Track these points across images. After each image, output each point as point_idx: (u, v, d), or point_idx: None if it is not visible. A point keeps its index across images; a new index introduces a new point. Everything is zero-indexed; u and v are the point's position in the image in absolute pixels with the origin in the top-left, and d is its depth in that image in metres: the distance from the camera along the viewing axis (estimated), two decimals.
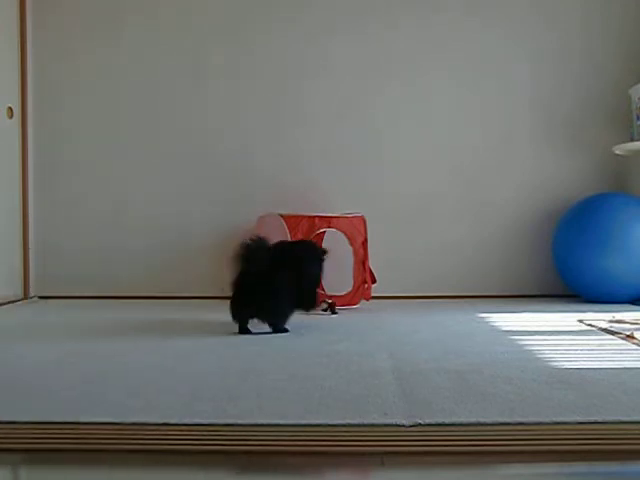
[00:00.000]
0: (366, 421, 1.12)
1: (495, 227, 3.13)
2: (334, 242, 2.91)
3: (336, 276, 2.84)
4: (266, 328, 2.11)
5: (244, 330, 2.11)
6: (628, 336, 1.93)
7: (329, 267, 2.99)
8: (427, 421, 1.12)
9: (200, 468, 1.00)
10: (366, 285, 2.76)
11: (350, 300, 2.75)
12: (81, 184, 3.20)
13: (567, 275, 2.92)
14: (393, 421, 1.12)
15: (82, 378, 1.46)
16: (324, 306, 2.59)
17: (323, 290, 2.56)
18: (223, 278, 3.13)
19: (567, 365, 1.56)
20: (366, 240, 2.80)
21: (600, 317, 2.32)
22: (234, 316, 2.11)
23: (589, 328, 2.12)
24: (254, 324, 2.12)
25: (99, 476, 1.00)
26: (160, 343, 1.94)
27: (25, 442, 1.06)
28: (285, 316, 2.16)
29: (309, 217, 2.72)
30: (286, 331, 2.12)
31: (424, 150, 3.15)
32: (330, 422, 1.12)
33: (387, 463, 0.99)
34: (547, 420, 1.12)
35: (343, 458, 1.02)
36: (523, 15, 3.14)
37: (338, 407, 1.21)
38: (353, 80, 3.15)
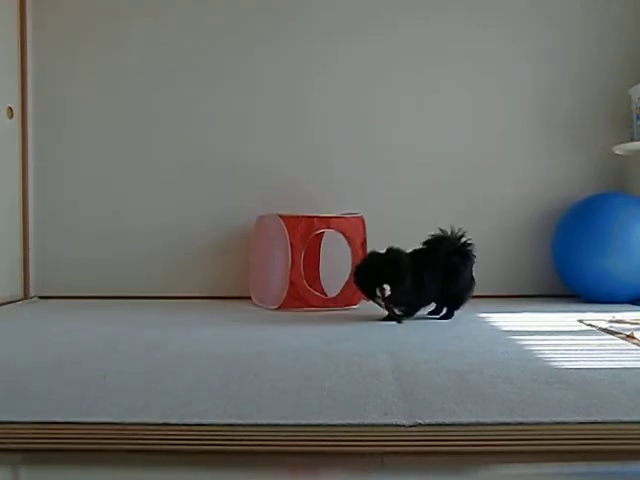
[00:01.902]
0: (366, 421, 1.12)
1: (495, 227, 3.13)
2: (333, 243, 2.92)
3: (335, 276, 2.85)
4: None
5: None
6: (628, 336, 1.93)
7: (328, 267, 3.02)
8: (427, 421, 1.12)
9: (200, 468, 1.00)
10: None
11: (350, 300, 2.75)
12: (81, 184, 3.20)
13: (567, 275, 2.92)
14: (393, 421, 1.12)
15: (82, 378, 1.46)
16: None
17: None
18: (223, 278, 3.16)
19: (567, 365, 1.56)
20: (365, 241, 2.80)
21: (600, 317, 2.32)
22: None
23: (589, 328, 2.13)
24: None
25: (99, 476, 1.00)
26: (160, 343, 1.94)
27: (25, 442, 1.06)
28: None
29: (308, 217, 2.72)
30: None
31: (424, 150, 3.15)
32: (330, 422, 1.12)
33: (387, 463, 0.99)
34: (547, 420, 1.12)
35: (343, 458, 1.02)
36: (523, 15, 3.14)
37: (338, 407, 1.21)
38: (353, 80, 3.15)
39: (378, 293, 2.28)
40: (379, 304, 2.35)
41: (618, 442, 1.03)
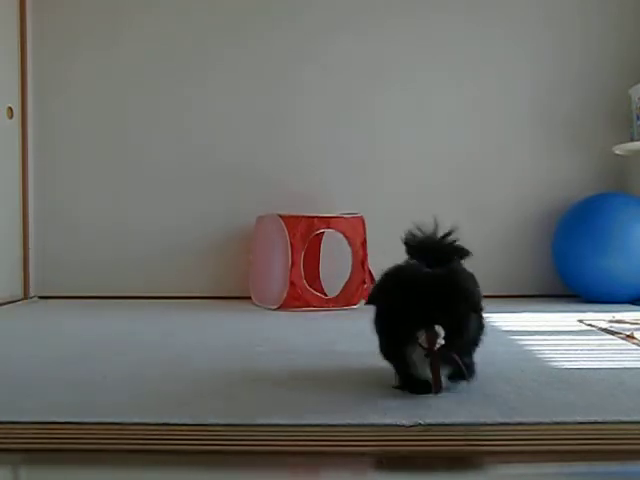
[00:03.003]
0: (366, 421, 1.12)
1: (495, 227, 3.13)
2: (333, 243, 2.92)
3: (335, 276, 2.85)
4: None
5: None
6: (628, 336, 1.93)
7: (328, 267, 3.01)
8: (427, 421, 1.12)
9: (200, 468, 1.00)
10: (365, 285, 2.76)
11: (350, 300, 2.75)
12: (81, 184, 3.19)
13: (567, 275, 2.91)
14: (393, 421, 1.12)
15: (82, 378, 1.46)
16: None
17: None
18: (223, 278, 3.16)
19: (567, 365, 1.56)
20: (365, 241, 2.80)
21: (600, 317, 2.32)
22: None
23: (589, 328, 2.12)
24: None
25: (99, 476, 1.00)
26: (160, 343, 1.94)
27: (25, 442, 1.06)
28: None
29: (308, 217, 2.72)
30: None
31: (423, 150, 3.15)
32: (330, 422, 1.12)
33: (387, 463, 0.99)
34: (547, 420, 1.12)
35: (343, 458, 1.02)
36: (523, 15, 3.14)
37: (338, 407, 1.21)
38: (353, 80, 3.15)
39: (421, 341, 1.24)
40: (407, 364, 1.30)
41: (618, 442, 1.03)
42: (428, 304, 1.24)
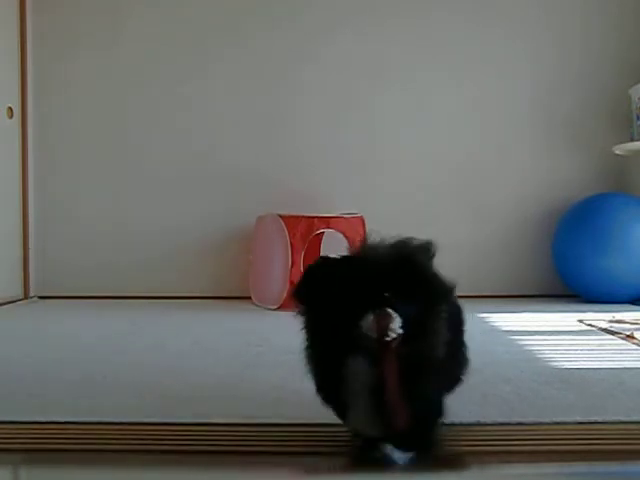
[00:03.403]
0: None
1: (495, 227, 3.13)
2: (333, 243, 2.92)
3: None
4: None
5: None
6: (628, 336, 1.93)
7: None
8: None
9: (200, 468, 1.00)
10: None
11: None
12: (81, 184, 3.19)
13: (567, 275, 2.91)
14: None
15: (82, 378, 1.46)
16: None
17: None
18: (223, 278, 3.16)
19: (567, 365, 1.56)
20: None
21: (600, 317, 2.32)
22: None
23: (589, 328, 2.12)
24: None
25: (99, 476, 1.00)
26: (160, 343, 1.93)
27: (25, 442, 1.06)
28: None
29: (308, 217, 2.73)
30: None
31: (423, 150, 3.15)
32: (330, 422, 1.12)
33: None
34: (547, 420, 1.12)
35: (343, 458, 1.02)
36: (523, 15, 3.14)
37: None
38: (353, 80, 3.15)
39: (367, 329, 0.87)
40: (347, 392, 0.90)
41: (618, 442, 1.03)
42: (373, 283, 0.88)
